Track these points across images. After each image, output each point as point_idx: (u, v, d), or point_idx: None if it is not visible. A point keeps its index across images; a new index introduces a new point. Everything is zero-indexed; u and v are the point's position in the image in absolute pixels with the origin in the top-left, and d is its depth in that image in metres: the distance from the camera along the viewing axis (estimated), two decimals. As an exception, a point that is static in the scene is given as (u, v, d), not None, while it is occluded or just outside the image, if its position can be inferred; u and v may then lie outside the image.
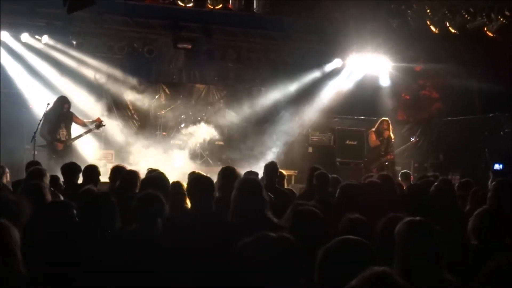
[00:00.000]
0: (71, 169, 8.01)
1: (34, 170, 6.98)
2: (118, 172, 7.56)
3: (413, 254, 3.58)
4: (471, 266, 4.26)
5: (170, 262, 3.80)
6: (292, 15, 14.89)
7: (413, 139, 14.74)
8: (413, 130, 16.15)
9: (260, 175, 7.86)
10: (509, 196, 5.76)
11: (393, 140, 13.57)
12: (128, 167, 8.10)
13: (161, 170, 8.17)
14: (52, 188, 6.76)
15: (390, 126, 13.46)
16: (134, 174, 6.96)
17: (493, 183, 6.36)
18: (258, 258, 3.18)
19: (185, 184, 6.31)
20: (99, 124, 12.41)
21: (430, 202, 6.01)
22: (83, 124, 12.46)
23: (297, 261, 3.19)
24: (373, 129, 13.55)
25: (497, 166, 13.27)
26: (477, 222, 4.66)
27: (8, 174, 8.53)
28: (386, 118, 13.64)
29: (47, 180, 6.76)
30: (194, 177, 5.63)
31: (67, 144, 12.03)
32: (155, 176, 6.54)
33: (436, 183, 6.95)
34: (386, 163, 13.33)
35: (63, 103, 12.18)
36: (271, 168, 7.93)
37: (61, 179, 7.79)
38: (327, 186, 7.19)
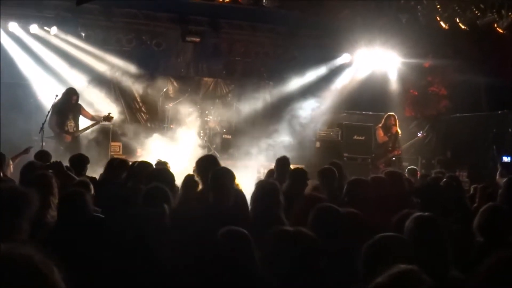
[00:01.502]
0: (79, 160, 8.04)
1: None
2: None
3: (420, 249, 3.59)
4: (476, 263, 4.26)
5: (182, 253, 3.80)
6: (300, 10, 14.84)
7: (420, 134, 14.70)
8: (421, 127, 16.11)
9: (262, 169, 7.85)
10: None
11: (400, 135, 13.56)
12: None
13: (169, 163, 8.22)
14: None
15: (397, 121, 13.44)
16: (144, 165, 6.99)
17: (505, 180, 6.35)
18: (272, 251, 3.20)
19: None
20: (107, 116, 12.45)
21: (438, 199, 5.98)
22: (91, 118, 12.50)
23: (316, 256, 3.22)
24: (380, 125, 13.53)
25: (505, 159, 13.21)
26: (483, 219, 4.65)
27: (11, 166, 8.49)
28: (393, 113, 13.62)
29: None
30: (218, 170, 5.72)
31: (75, 136, 12.08)
32: (160, 170, 6.54)
33: (444, 180, 6.95)
34: (393, 158, 13.31)
35: (71, 94, 12.22)
36: (283, 162, 7.95)
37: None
38: (333, 181, 7.20)
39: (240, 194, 5.88)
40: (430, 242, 3.66)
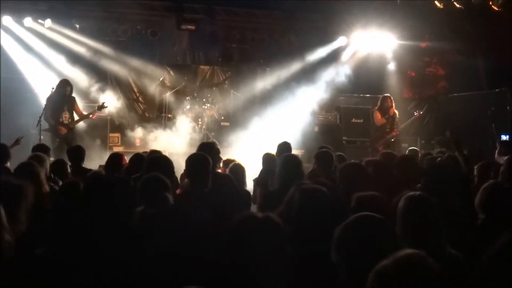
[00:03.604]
0: (77, 152, 8.01)
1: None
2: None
3: (413, 228, 3.60)
4: (478, 241, 4.27)
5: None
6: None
7: (416, 113, 14.67)
8: (419, 107, 16.05)
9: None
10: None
11: (397, 116, 13.52)
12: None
13: (168, 152, 8.19)
14: (52, 175, 6.72)
15: (393, 102, 13.41)
16: (141, 156, 6.95)
17: (506, 157, 6.35)
18: (244, 238, 3.13)
19: None
20: (101, 105, 12.36)
21: (437, 178, 5.96)
22: (81, 115, 12.26)
23: (283, 243, 3.12)
24: (377, 108, 13.49)
25: (504, 137, 13.21)
26: (484, 196, 4.64)
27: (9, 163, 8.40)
28: (388, 95, 13.58)
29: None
30: (191, 157, 5.73)
31: (70, 128, 11.99)
32: (159, 157, 6.46)
33: (441, 159, 6.94)
34: (392, 140, 13.29)
35: (65, 86, 12.11)
36: (284, 147, 7.94)
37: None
38: (329, 165, 7.18)
39: (221, 178, 5.92)
40: (423, 221, 3.65)
